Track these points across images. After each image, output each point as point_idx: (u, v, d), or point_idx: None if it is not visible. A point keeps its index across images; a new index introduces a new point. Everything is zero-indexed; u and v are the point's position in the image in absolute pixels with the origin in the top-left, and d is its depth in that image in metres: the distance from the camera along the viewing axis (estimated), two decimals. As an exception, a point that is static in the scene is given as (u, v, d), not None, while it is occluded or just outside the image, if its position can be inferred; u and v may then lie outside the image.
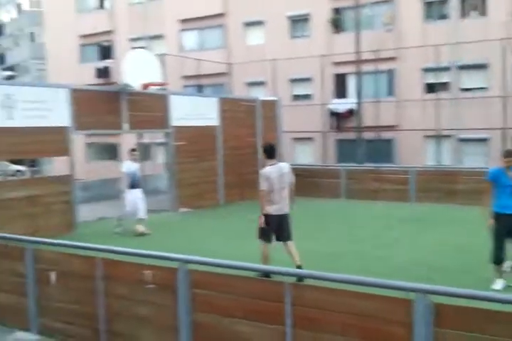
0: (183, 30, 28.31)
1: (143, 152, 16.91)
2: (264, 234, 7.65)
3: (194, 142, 15.01)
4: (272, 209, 7.55)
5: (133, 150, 12.13)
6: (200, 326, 4.68)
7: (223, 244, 10.10)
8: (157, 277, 4.87)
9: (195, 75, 24.98)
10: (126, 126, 13.25)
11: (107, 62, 30.40)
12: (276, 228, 7.63)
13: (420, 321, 3.69)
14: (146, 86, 12.97)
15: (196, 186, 15.00)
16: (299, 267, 7.36)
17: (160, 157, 24.61)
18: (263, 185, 7.53)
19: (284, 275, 4.53)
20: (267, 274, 5.98)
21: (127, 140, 27.76)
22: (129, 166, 11.53)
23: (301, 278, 5.97)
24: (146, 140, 21.89)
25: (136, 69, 12.74)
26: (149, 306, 4.94)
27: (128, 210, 11.49)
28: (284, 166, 7.76)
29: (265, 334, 4.34)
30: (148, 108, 13.86)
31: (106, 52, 31.34)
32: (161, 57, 19.82)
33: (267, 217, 7.54)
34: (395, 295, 3.87)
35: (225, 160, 15.89)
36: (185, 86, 27.42)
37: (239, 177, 16.31)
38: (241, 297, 4.46)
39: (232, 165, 16.13)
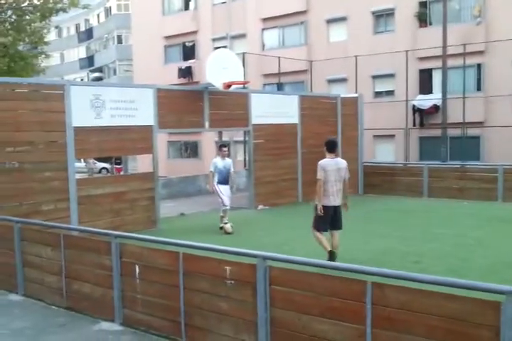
0: (264, 28, 28.45)
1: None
2: (319, 224, 8.23)
3: (273, 140, 15.06)
4: (328, 200, 8.11)
5: (222, 146, 12.23)
6: (278, 322, 4.68)
7: (302, 240, 10.05)
8: (236, 273, 4.90)
9: (276, 73, 24.99)
10: (207, 124, 13.48)
11: (189, 63, 31.08)
12: (331, 218, 8.19)
13: (509, 325, 3.51)
14: (227, 85, 13.13)
15: (275, 184, 15.04)
16: (331, 253, 8.01)
17: (239, 155, 24.88)
18: (319, 175, 8.12)
19: (367, 275, 4.42)
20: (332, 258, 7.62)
21: (208, 138, 28.36)
22: (215, 163, 11.65)
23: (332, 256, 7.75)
24: (225, 138, 22.21)
25: (219, 69, 12.91)
26: (228, 301, 4.98)
27: (226, 200, 11.57)
28: (342, 162, 8.35)
29: (344, 332, 4.28)
30: (229, 106, 14.04)
31: (189, 52, 32.04)
32: (242, 56, 20.05)
33: (323, 207, 8.09)
34: (482, 298, 3.70)
35: (304, 158, 15.81)
36: (266, 84, 27.54)
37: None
38: (320, 294, 4.42)
39: (312, 163, 15.90)
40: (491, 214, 13.19)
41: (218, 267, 5.02)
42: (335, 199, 8.18)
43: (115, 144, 11.46)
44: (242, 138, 21.02)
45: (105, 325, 5.91)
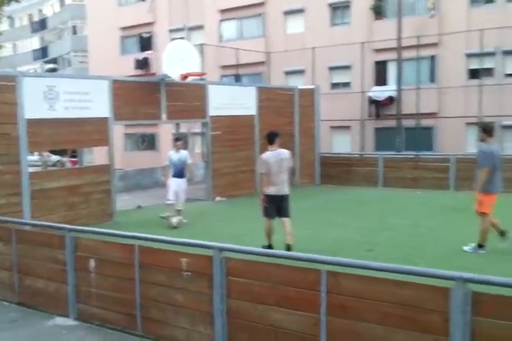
0: (222, 20, 28.29)
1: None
2: (267, 212, 8.56)
3: (231, 131, 15.04)
4: (274, 190, 8.40)
5: (176, 139, 12.13)
6: (235, 313, 4.69)
7: (260, 231, 10.08)
8: (193, 265, 4.90)
9: (233, 65, 24.94)
10: (164, 116, 13.35)
11: (146, 54, 30.68)
12: (276, 207, 8.48)
13: (458, 310, 3.62)
14: (184, 76, 13.02)
15: (232, 175, 15.05)
16: (288, 246, 8.22)
17: (197, 147, 24.76)
18: (261, 168, 8.50)
19: (320, 263, 4.47)
20: (270, 246, 8.20)
21: (165, 130, 28.12)
22: (170, 156, 11.55)
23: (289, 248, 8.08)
24: (183, 130, 22.05)
25: (175, 60, 12.78)
26: (185, 293, 4.97)
27: (171, 195, 11.45)
28: (284, 152, 8.51)
29: (299, 321, 4.32)
30: (186, 98, 13.93)
31: (146, 43, 31.62)
32: (200, 47, 19.91)
33: (268, 197, 8.42)
34: (433, 284, 3.80)
35: (261, 149, 15.79)
36: (223, 76, 27.45)
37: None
38: (276, 284, 4.44)
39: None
40: (444, 203, 13.52)
41: (174, 259, 5.00)
42: (280, 189, 8.45)
43: (69, 137, 11.23)
44: (199, 130, 20.92)
45: (59, 320, 5.81)
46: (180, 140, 12.26)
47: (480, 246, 8.39)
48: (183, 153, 11.68)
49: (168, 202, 11.42)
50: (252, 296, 4.58)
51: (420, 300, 3.81)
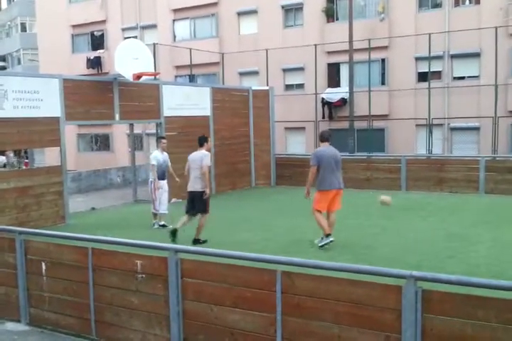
0: (175, 19, 28.09)
1: (134, 142, 16.82)
2: (186, 207, 9.57)
3: (186, 132, 14.95)
4: (188, 187, 9.55)
5: (161, 138, 11.68)
6: (191, 314, 4.68)
7: (217, 231, 10.09)
8: (148, 267, 4.86)
9: (187, 65, 24.81)
10: (117, 116, 13.18)
11: (98, 53, 30.17)
12: (189, 202, 9.51)
13: (409, 307, 3.71)
14: (137, 76, 12.88)
15: (187, 177, 14.92)
16: (196, 240, 9.26)
17: (152, 147, 24.51)
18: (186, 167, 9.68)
19: (276, 264, 4.51)
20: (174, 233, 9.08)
21: (119, 130, 27.75)
22: (157, 156, 11.10)
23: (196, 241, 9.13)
24: (138, 130, 21.80)
25: (128, 60, 12.64)
26: (140, 296, 4.93)
27: (157, 204, 11.13)
28: (200, 153, 9.54)
29: (255, 321, 4.35)
30: (140, 98, 13.80)
31: (98, 42, 31.07)
32: (153, 46, 19.72)
33: (187, 193, 9.55)
34: (386, 282, 3.88)
35: (216, 150, 15.85)
36: (177, 76, 27.28)
37: (231, 166, 16.30)
38: (232, 285, 4.46)
39: (224, 155, 16.12)
40: (395, 203, 13.80)
41: (129, 261, 4.95)
42: (191, 186, 9.48)
43: (19, 137, 10.96)
44: (154, 131, 20.74)
45: (10, 326, 5.67)
46: (165, 138, 11.84)
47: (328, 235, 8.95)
48: (166, 154, 11.44)
49: (157, 212, 11.15)
50: (207, 297, 4.58)
51: (373, 299, 3.89)
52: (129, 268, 4.95)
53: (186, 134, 14.97)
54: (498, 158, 16.51)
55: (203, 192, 9.34)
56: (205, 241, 9.28)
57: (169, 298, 4.72)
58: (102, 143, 30.95)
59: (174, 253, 4.70)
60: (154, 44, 20.36)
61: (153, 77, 14.66)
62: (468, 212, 12.33)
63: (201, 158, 9.45)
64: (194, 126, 15.27)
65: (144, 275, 4.87)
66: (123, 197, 15.67)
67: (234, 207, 13.71)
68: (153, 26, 28.68)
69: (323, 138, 9.40)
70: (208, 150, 9.84)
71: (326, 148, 9.25)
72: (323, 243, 8.86)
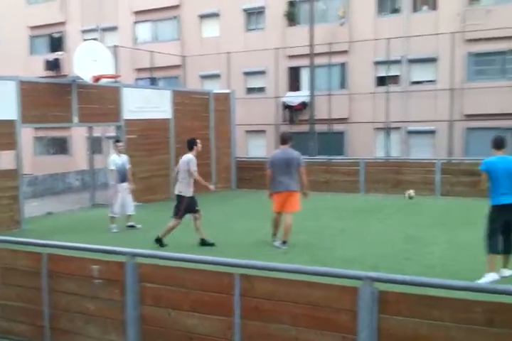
0: (136, 22, 27.84)
1: (93, 146, 16.58)
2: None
3: (146, 135, 14.85)
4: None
5: (117, 141, 11.66)
6: (148, 320, 4.63)
7: (178, 235, 10.02)
8: (105, 272, 4.78)
9: (149, 68, 24.63)
10: (76, 119, 12.98)
11: (57, 55, 29.63)
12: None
13: (365, 308, 3.75)
14: (97, 78, 12.71)
15: (148, 180, 14.84)
16: (158, 240, 9.36)
17: (111, 151, 24.20)
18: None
19: (233, 267, 4.50)
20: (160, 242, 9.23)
21: (78, 133, 27.29)
22: (115, 160, 11.09)
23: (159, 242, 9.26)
24: (97, 133, 21.46)
25: (88, 62, 12.47)
26: (96, 302, 4.84)
27: (117, 208, 11.10)
28: (186, 157, 9.53)
29: (214, 325, 4.33)
30: (99, 101, 13.62)
31: (57, 44, 30.52)
32: (114, 49, 19.51)
33: None
34: (343, 284, 3.91)
35: (177, 153, 15.72)
36: (138, 78, 27.00)
37: (192, 170, 16.21)
38: (190, 289, 4.43)
39: (186, 158, 16.01)
40: (354, 205, 14.00)
41: (85, 267, 4.86)
42: (176, 188, 9.65)
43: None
44: (114, 134, 20.49)
45: (-39, 334, 5.50)
46: (121, 141, 11.86)
47: (284, 242, 9.28)
48: (124, 156, 11.34)
49: (115, 215, 11.09)
50: (165, 302, 4.54)
51: (330, 300, 3.91)
52: (85, 274, 4.85)
53: (146, 137, 14.87)
54: (453, 161, 16.89)
55: (179, 196, 9.40)
56: (164, 245, 9.20)
57: (126, 303, 4.66)
58: (60, 146, 30.37)
59: (131, 258, 4.64)
60: (115, 46, 20.15)
61: (113, 79, 14.50)
62: (425, 214, 12.58)
63: (187, 162, 9.45)
64: (154, 129, 15.16)
65: (100, 281, 4.79)
66: (80, 201, 15.43)
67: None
68: (114, 28, 28.34)
69: (282, 140, 9.62)
70: (197, 153, 9.76)
71: (281, 150, 9.46)
72: (279, 245, 9.24)
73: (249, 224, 11.49)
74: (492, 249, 7.07)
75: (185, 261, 4.68)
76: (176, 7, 26.58)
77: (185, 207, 9.35)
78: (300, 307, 4.02)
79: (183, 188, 9.42)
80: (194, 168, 9.44)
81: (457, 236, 9.98)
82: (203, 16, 26.05)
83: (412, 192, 13.62)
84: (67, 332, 5.03)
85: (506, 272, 7.17)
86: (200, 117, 16.91)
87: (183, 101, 16.25)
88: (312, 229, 10.70)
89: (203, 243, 9.38)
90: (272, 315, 4.12)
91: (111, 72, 13.32)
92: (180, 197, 9.41)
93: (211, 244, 9.33)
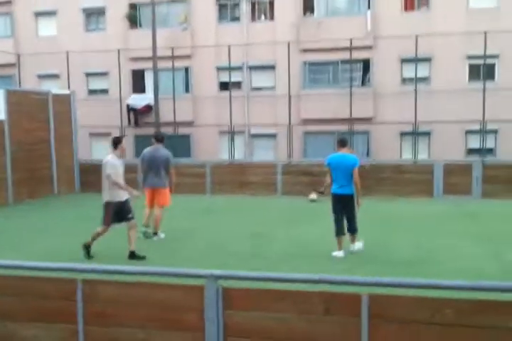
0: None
1: None
2: None
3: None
4: None
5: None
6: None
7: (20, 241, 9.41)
8: None
9: (-21, 65, 22.87)
10: None
11: None
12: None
13: (211, 305, 3.83)
14: None
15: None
16: (86, 246, 8.54)
17: None
18: None
19: (77, 272, 4.35)
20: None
21: None
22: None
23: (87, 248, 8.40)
24: None
25: None
26: None
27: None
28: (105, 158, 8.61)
29: (56, 334, 4.14)
30: None
31: None
32: None
33: None
34: (191, 284, 3.95)
35: (13, 156, 14.77)
36: (-33, 77, 24.94)
37: (30, 173, 15.32)
38: (27, 298, 4.18)
39: (23, 161, 15.09)
40: (202, 206, 14.21)
41: None
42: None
43: None
44: None
45: None
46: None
47: (155, 233, 10.03)
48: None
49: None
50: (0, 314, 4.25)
51: (177, 300, 3.93)
52: None
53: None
54: (292, 163, 17.82)
55: (106, 202, 8.43)
56: None
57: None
58: None
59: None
60: None
61: None
62: (268, 213, 13.11)
63: (103, 164, 8.45)
64: (-14, 131, 14.08)
65: None
66: None
67: (34, 216, 12.90)
68: None
69: (155, 138, 10.31)
70: (123, 153, 8.66)
71: (152, 148, 10.13)
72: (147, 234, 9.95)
73: (95, 227, 11.10)
74: (338, 233, 8.45)
75: (22, 268, 4.41)
76: (8, 3, 24.98)
77: (113, 213, 8.44)
78: (147, 309, 3.99)
79: (106, 194, 8.48)
80: (110, 170, 8.34)
81: (298, 231, 10.55)
82: (38, 14, 24.77)
83: (314, 195, 14.38)
84: None
85: (355, 246, 8.58)
86: (38, 118, 16.00)
87: (19, 101, 15.26)
88: (165, 230, 10.61)
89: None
90: (118, 319, 4.04)
91: None
92: (105, 204, 8.46)
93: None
